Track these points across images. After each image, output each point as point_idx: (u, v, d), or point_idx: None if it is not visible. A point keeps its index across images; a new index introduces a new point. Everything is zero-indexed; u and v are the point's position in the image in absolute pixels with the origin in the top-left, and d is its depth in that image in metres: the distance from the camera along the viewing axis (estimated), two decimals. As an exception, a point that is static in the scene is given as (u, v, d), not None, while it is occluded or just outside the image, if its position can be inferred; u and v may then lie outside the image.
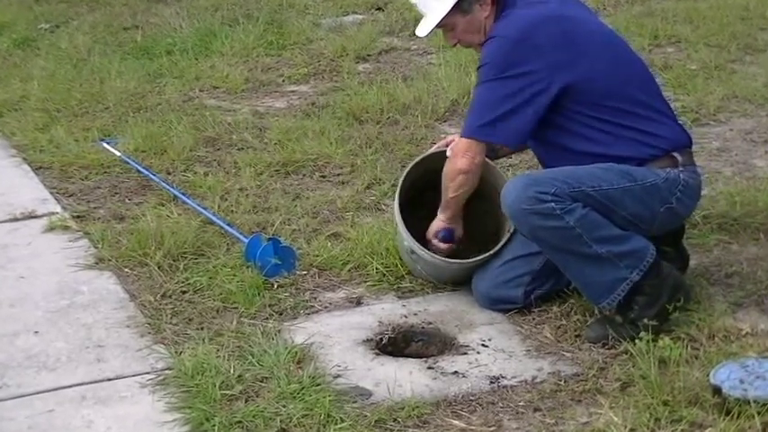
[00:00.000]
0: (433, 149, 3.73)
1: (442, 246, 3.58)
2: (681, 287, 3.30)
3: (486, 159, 3.50)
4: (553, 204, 3.14)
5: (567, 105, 3.27)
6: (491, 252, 3.55)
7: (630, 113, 3.31)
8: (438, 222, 3.58)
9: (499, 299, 3.48)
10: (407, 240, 3.57)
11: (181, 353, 3.24)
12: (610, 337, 3.23)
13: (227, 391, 3.03)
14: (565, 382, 3.07)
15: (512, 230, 3.52)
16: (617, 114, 3.29)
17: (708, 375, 2.93)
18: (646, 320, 3.18)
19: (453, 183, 3.43)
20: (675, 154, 3.33)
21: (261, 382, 3.09)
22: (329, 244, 3.97)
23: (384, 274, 3.74)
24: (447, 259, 3.56)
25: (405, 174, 3.68)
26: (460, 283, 3.66)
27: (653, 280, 3.24)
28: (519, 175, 3.33)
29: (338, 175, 4.72)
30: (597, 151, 3.29)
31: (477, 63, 3.40)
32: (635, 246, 3.23)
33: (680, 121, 3.50)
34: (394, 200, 3.68)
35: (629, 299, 3.24)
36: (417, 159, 3.72)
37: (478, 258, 3.56)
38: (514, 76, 3.23)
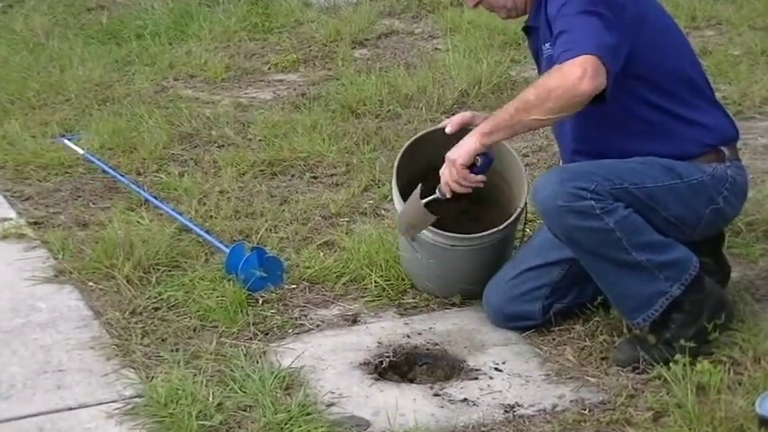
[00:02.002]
0: (440, 126, 3.64)
1: (474, 177, 3.33)
2: (724, 305, 3.31)
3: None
4: (593, 203, 3.14)
5: (628, 71, 3.21)
6: (501, 227, 3.52)
7: (681, 99, 3.31)
8: (474, 141, 3.26)
9: (514, 315, 3.49)
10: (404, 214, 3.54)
11: (152, 378, 3.24)
12: (641, 360, 3.23)
13: (206, 422, 3.03)
14: (589, 411, 3.08)
15: (522, 206, 3.51)
16: (669, 99, 3.29)
17: (753, 404, 2.93)
18: (682, 341, 3.19)
19: (554, 98, 3.08)
20: (723, 148, 3.35)
21: (244, 411, 3.09)
22: (321, 254, 3.98)
23: (384, 289, 3.75)
24: (453, 234, 3.50)
25: (404, 147, 3.64)
26: (470, 282, 3.65)
27: (694, 296, 3.25)
28: (553, 168, 3.30)
29: (332, 175, 4.73)
30: (640, 138, 3.29)
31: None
32: (678, 256, 3.24)
33: (726, 111, 3.50)
34: (392, 180, 3.64)
35: (665, 316, 3.25)
36: (423, 132, 3.68)
37: (490, 232, 3.52)
38: (599, 3, 3.12)
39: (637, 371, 3.23)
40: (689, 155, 3.31)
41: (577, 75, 3.02)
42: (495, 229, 3.55)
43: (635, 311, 3.27)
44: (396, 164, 3.66)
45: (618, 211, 3.16)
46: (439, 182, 3.41)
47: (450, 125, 3.53)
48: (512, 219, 3.57)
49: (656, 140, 3.31)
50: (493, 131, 3.24)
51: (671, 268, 3.22)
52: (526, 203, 3.56)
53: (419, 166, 3.63)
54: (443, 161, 3.36)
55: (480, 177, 3.34)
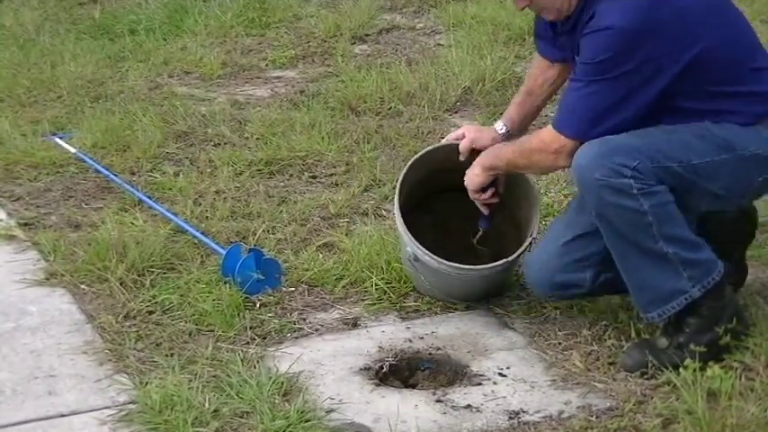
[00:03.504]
0: (443, 143, 3.75)
1: (485, 195, 3.59)
2: (741, 316, 3.32)
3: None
4: (632, 181, 3.13)
5: (678, 85, 3.22)
6: (511, 258, 3.57)
7: (738, 79, 3.28)
8: (479, 174, 3.54)
9: (564, 283, 3.45)
10: (409, 245, 3.59)
11: (147, 384, 3.24)
12: (650, 365, 3.24)
13: (201, 429, 3.03)
14: (597, 417, 3.08)
15: (534, 236, 3.54)
16: (725, 82, 3.26)
17: (766, 411, 2.93)
18: (692, 346, 3.20)
19: (535, 161, 3.40)
20: None
21: (241, 417, 3.09)
22: (320, 256, 3.99)
23: (385, 292, 3.76)
24: (458, 265, 3.57)
25: (407, 167, 3.69)
26: (473, 299, 3.67)
27: (713, 302, 3.25)
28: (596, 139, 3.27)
29: (331, 175, 4.74)
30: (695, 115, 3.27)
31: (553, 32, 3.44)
32: (704, 257, 3.24)
33: None
34: (395, 197, 3.68)
35: (680, 318, 3.26)
36: (423, 152, 3.73)
37: (495, 264, 3.58)
38: (628, 72, 3.17)
39: (645, 376, 3.23)
40: (746, 122, 3.27)
41: (554, 148, 3.30)
42: (505, 261, 3.57)
43: (651, 305, 3.26)
44: (399, 182, 3.68)
45: (657, 196, 3.15)
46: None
47: (462, 153, 3.63)
48: (522, 248, 3.58)
49: (707, 117, 3.27)
50: (493, 167, 3.52)
51: (696, 268, 3.22)
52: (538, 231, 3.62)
53: (417, 177, 3.70)
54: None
55: (488, 194, 3.59)
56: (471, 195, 3.59)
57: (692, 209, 3.28)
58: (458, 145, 3.63)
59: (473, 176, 3.55)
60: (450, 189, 3.73)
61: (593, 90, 3.22)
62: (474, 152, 3.60)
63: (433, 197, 3.79)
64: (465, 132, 3.66)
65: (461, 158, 3.62)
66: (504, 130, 3.63)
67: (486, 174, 3.52)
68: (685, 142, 3.22)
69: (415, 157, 3.72)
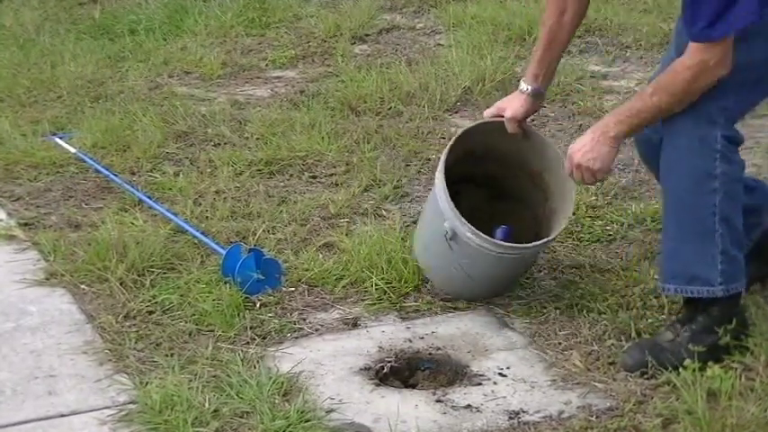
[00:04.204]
0: (488, 117, 3.64)
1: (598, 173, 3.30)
2: (741, 316, 3.32)
3: (528, 127, 3.52)
4: (718, 136, 3.11)
5: None
6: (552, 237, 3.52)
7: None
8: (610, 148, 3.25)
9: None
10: (453, 220, 3.47)
11: (147, 384, 3.25)
12: (649, 365, 3.24)
13: (201, 429, 3.04)
14: (597, 417, 3.08)
15: (571, 215, 3.48)
16: None
17: (766, 411, 2.93)
18: (691, 346, 3.20)
19: (693, 87, 3.10)
20: None
21: (241, 417, 3.10)
22: (320, 256, 3.99)
23: (385, 292, 3.76)
24: (503, 243, 3.47)
25: (455, 139, 3.58)
26: (500, 289, 3.65)
27: (727, 308, 3.25)
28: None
29: (331, 175, 4.74)
30: None
31: None
32: (740, 259, 3.23)
33: None
34: (439, 169, 3.56)
35: (692, 313, 3.25)
36: (467, 128, 3.62)
37: (537, 243, 3.51)
38: None
39: (645, 376, 3.23)
40: None
41: (714, 62, 3.05)
42: (549, 239, 3.54)
43: (671, 279, 3.25)
44: (443, 158, 3.56)
45: (733, 165, 3.13)
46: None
47: (510, 126, 3.55)
48: (562, 228, 3.53)
49: None
50: (627, 130, 3.23)
51: (731, 265, 3.20)
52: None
53: (456, 157, 3.60)
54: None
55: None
56: (595, 178, 3.32)
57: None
58: (499, 122, 3.56)
59: (604, 154, 3.25)
60: (465, 181, 3.71)
61: None
62: (519, 123, 3.55)
63: (463, 185, 3.72)
64: (495, 111, 3.59)
65: (512, 130, 3.55)
66: (529, 90, 3.53)
67: (618, 143, 3.25)
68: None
69: (461, 131, 3.61)
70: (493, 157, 3.71)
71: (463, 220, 3.49)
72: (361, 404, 3.18)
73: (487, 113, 3.65)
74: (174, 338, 3.52)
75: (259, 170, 4.77)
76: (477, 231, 3.49)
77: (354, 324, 3.62)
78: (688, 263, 3.22)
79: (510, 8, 6.68)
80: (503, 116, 3.59)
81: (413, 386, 3.33)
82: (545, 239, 3.55)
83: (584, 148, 3.27)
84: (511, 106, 3.58)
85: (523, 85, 3.56)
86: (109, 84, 5.87)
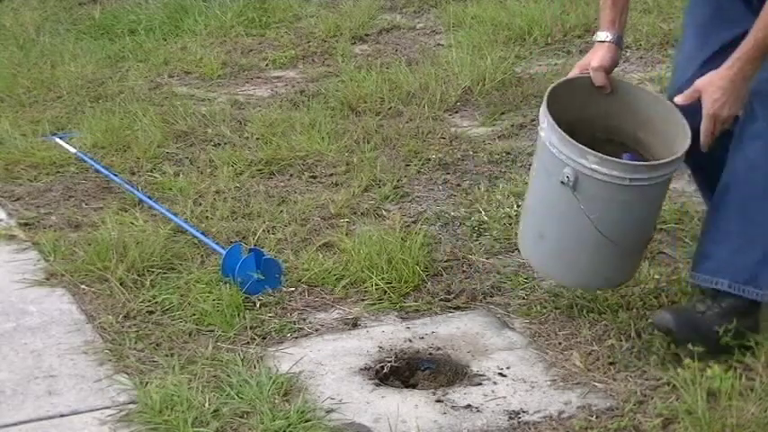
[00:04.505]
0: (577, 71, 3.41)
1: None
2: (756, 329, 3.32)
3: (618, 80, 3.32)
4: None
5: None
6: (681, 154, 3.22)
7: None
8: (741, 89, 3.08)
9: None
10: (577, 157, 3.16)
11: (147, 384, 3.25)
12: (682, 329, 3.20)
13: (202, 429, 3.04)
14: (597, 417, 3.08)
15: (686, 148, 3.19)
16: None
17: (766, 411, 2.93)
18: (690, 346, 3.20)
19: None
20: None
21: (241, 417, 3.10)
22: (320, 256, 3.99)
23: (385, 292, 3.76)
24: (632, 162, 3.19)
25: (550, 91, 3.31)
26: (645, 231, 3.39)
27: (750, 315, 3.25)
28: None
29: (331, 175, 4.74)
30: None
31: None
32: None
33: None
34: (543, 109, 3.28)
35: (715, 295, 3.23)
36: (554, 86, 3.35)
37: (676, 157, 3.21)
38: None
39: (645, 376, 3.23)
40: None
41: None
42: (680, 155, 3.20)
43: (729, 274, 3.21)
44: (545, 105, 3.27)
45: None
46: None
47: (597, 78, 3.33)
48: (687, 147, 3.18)
49: None
50: (751, 72, 3.07)
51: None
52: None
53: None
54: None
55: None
56: (719, 127, 3.15)
57: None
58: (587, 77, 3.36)
59: (732, 95, 3.09)
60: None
61: None
62: (606, 75, 3.33)
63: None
64: (578, 70, 3.38)
65: (599, 82, 3.33)
66: (610, 38, 3.34)
67: (746, 85, 3.09)
68: None
69: (553, 85, 3.36)
70: (581, 129, 3.35)
71: (585, 148, 3.16)
72: (361, 404, 3.18)
73: (571, 75, 3.42)
74: (174, 338, 3.52)
75: (259, 170, 4.78)
76: (605, 156, 3.16)
77: (354, 324, 3.62)
78: (754, 263, 3.20)
79: (510, 8, 6.68)
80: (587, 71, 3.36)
81: (413, 386, 3.33)
82: (676, 155, 3.22)
83: (723, 97, 3.09)
84: (596, 56, 3.35)
85: (601, 35, 3.36)
86: (109, 84, 5.88)
